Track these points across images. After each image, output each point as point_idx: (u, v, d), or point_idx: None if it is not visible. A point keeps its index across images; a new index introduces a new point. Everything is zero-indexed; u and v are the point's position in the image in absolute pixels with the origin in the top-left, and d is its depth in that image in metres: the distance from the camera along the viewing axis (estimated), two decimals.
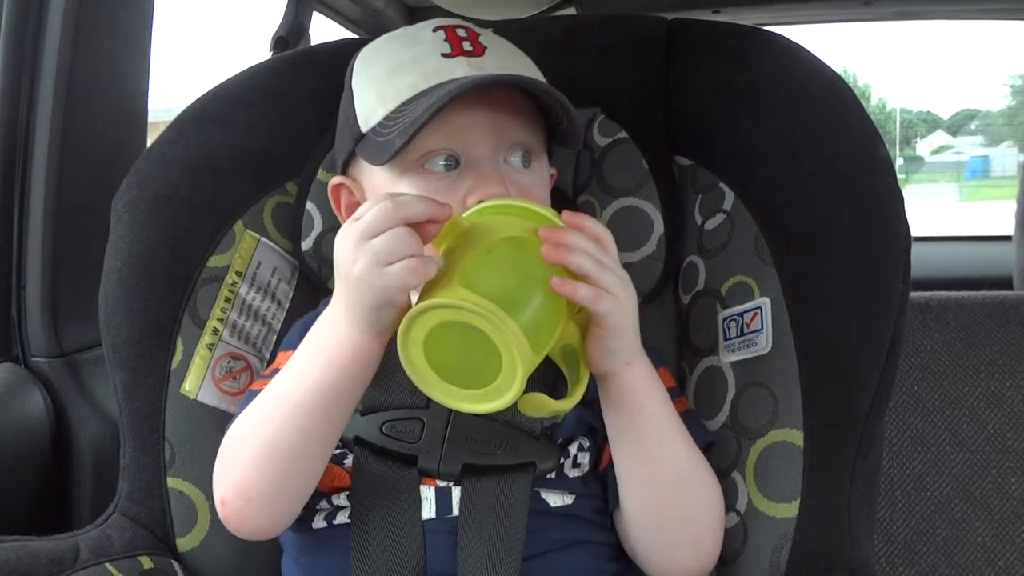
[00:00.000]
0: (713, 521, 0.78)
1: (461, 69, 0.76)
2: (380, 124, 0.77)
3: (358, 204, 0.84)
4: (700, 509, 0.77)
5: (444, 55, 0.77)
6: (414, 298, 0.66)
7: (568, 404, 0.67)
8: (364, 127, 0.79)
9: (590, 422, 0.80)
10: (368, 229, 0.65)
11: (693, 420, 0.82)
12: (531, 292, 0.64)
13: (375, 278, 0.65)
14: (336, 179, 0.85)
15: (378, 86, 0.79)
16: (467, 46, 0.78)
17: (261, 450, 0.72)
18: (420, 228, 0.65)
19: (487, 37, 0.81)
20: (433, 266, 0.64)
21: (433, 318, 0.62)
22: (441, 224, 0.65)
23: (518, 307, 0.63)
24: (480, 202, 0.73)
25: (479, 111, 0.75)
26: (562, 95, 0.75)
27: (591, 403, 0.79)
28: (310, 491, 0.76)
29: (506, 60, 0.80)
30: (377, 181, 0.80)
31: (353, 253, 0.66)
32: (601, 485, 0.81)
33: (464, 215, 0.69)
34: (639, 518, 0.77)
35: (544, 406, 0.67)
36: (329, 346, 0.70)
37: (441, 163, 0.76)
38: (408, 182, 0.77)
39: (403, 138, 0.72)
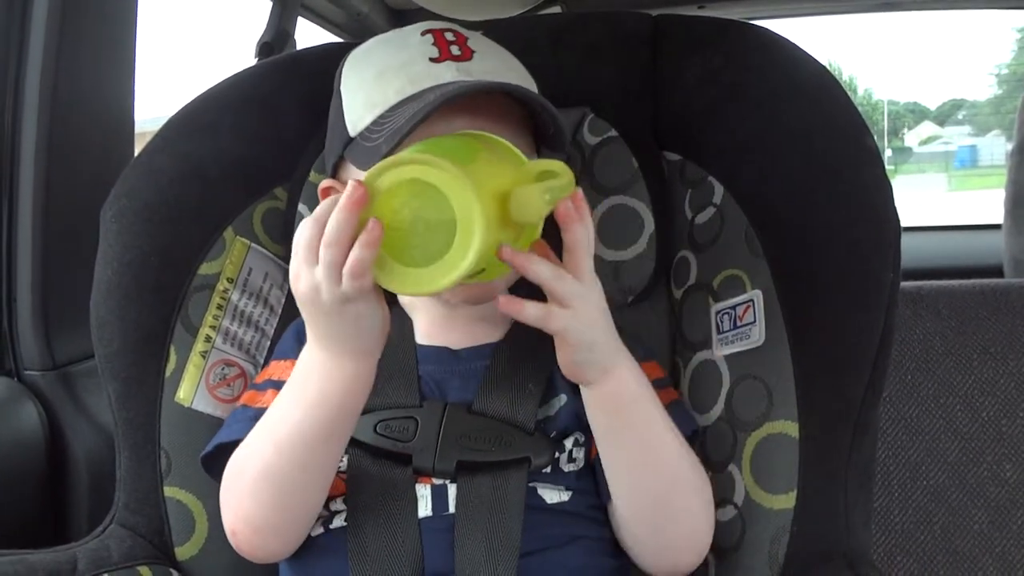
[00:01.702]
0: (704, 518, 0.78)
1: (449, 74, 0.76)
2: (368, 129, 0.77)
3: None
4: (691, 507, 0.77)
5: (432, 59, 0.77)
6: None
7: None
8: (353, 131, 0.78)
9: (586, 419, 0.80)
10: (306, 253, 0.65)
11: (678, 409, 0.82)
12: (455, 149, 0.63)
13: (341, 295, 0.64)
14: (326, 182, 0.85)
15: (366, 90, 0.79)
16: (455, 50, 0.78)
17: (262, 484, 0.73)
18: None
19: (476, 41, 0.80)
20: (361, 248, 0.62)
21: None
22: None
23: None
24: None
25: (465, 117, 0.75)
26: (547, 101, 0.75)
27: None
28: (318, 511, 0.77)
29: (494, 64, 0.80)
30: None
31: (309, 284, 0.65)
32: (595, 479, 0.81)
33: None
34: (630, 517, 0.77)
35: (532, 198, 0.63)
36: (318, 381, 0.70)
37: None
38: None
39: (388, 145, 0.72)
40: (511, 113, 0.78)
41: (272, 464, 0.73)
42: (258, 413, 0.79)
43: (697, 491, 0.77)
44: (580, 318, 0.67)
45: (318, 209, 0.65)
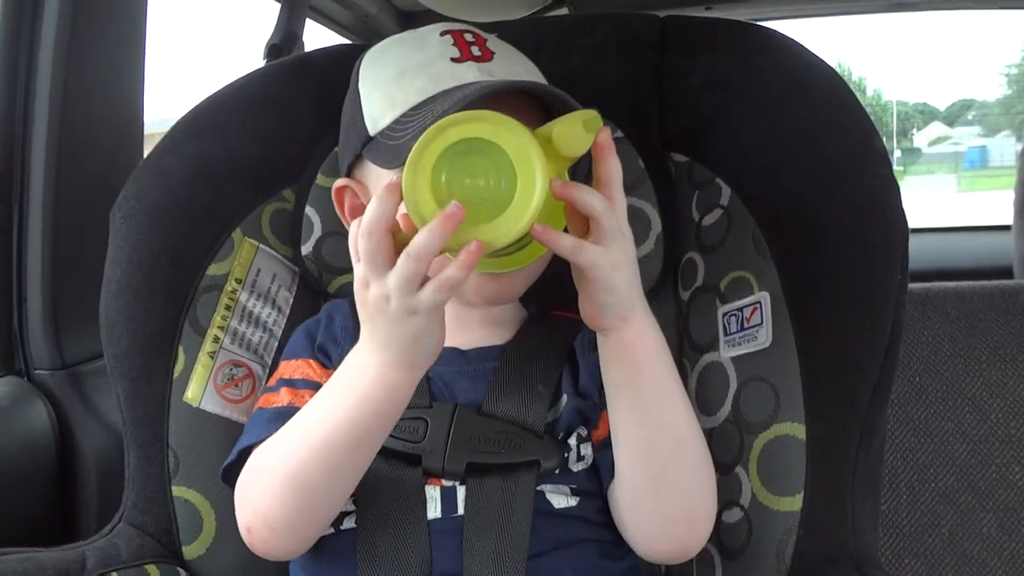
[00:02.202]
0: (707, 493, 0.77)
1: (471, 74, 0.77)
2: (389, 127, 0.77)
3: (363, 206, 0.84)
4: (696, 478, 0.76)
5: (453, 59, 0.78)
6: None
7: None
8: (372, 130, 0.79)
9: (586, 413, 0.80)
10: (374, 262, 0.64)
11: None
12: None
13: (411, 306, 0.64)
14: (340, 181, 0.85)
15: (385, 89, 0.79)
16: (476, 51, 0.79)
17: (287, 485, 0.73)
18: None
19: (494, 42, 0.81)
20: (457, 269, 0.62)
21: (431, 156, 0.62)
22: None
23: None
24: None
25: None
26: (573, 100, 0.75)
27: (586, 394, 0.80)
28: (336, 514, 0.77)
29: (514, 65, 0.81)
30: (384, 183, 0.80)
31: (379, 293, 0.65)
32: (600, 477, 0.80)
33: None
34: (633, 485, 0.76)
35: (576, 129, 0.65)
36: (362, 385, 0.69)
37: None
38: None
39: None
40: (533, 114, 0.78)
41: (302, 464, 0.72)
42: (276, 413, 0.79)
43: (701, 461, 0.76)
44: (610, 257, 0.67)
45: (370, 214, 0.64)
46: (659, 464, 0.74)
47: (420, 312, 0.64)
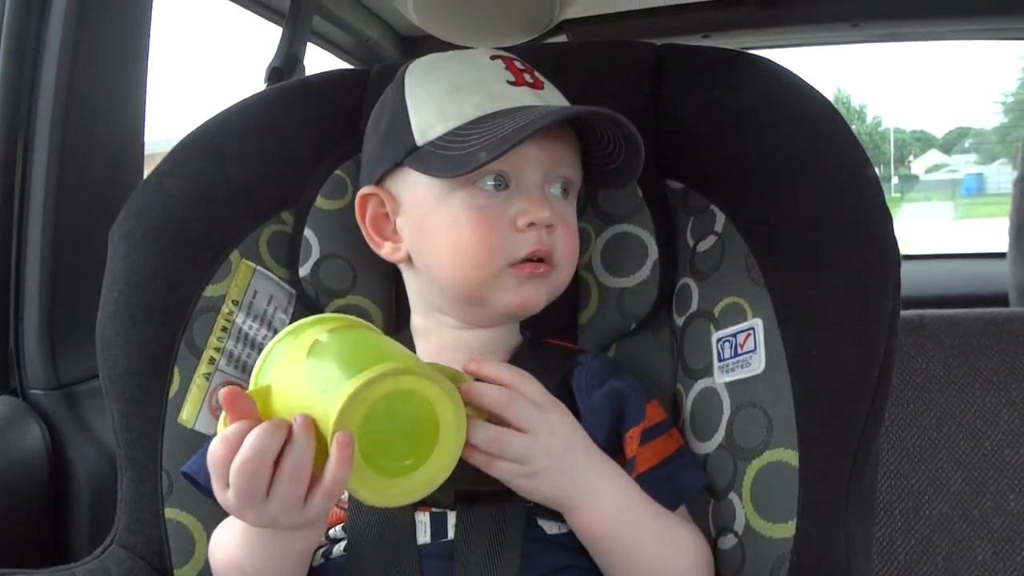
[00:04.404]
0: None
1: (528, 98, 0.80)
2: (441, 139, 0.79)
3: (386, 216, 0.86)
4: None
5: (509, 82, 0.80)
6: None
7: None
8: (420, 140, 0.80)
9: None
10: (252, 495, 0.63)
11: (686, 462, 0.83)
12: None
13: (301, 520, 0.64)
14: (368, 189, 0.86)
15: (439, 102, 0.81)
16: (528, 78, 0.82)
17: (232, 568, 0.76)
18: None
19: (538, 73, 0.84)
20: (338, 469, 0.61)
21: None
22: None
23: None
24: (531, 224, 0.78)
25: (537, 140, 0.78)
26: (640, 138, 0.78)
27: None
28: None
29: (559, 96, 0.84)
30: (421, 194, 0.82)
31: (260, 518, 0.64)
32: None
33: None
34: None
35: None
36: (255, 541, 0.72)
37: (491, 183, 0.79)
38: (460, 197, 0.79)
39: (491, 153, 0.73)
40: (572, 144, 0.82)
41: (237, 548, 0.74)
42: None
43: (686, 566, 0.79)
44: (538, 443, 0.73)
45: (254, 450, 0.61)
46: None
47: (311, 518, 0.65)
